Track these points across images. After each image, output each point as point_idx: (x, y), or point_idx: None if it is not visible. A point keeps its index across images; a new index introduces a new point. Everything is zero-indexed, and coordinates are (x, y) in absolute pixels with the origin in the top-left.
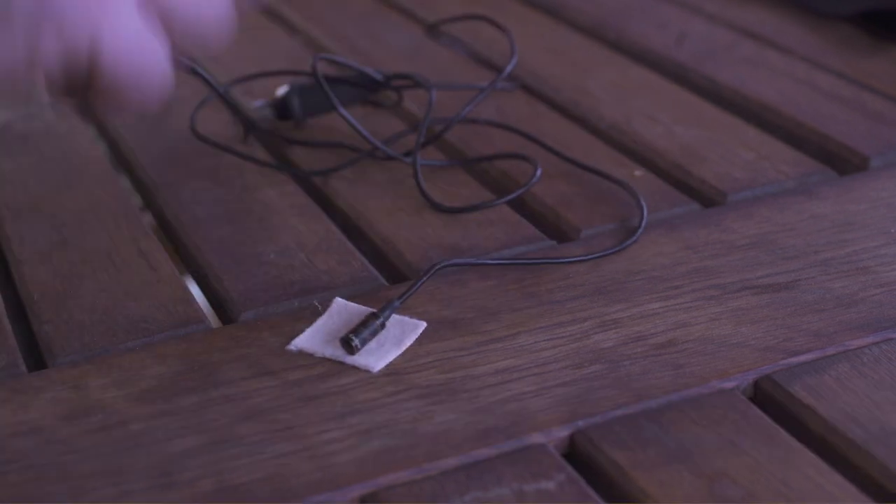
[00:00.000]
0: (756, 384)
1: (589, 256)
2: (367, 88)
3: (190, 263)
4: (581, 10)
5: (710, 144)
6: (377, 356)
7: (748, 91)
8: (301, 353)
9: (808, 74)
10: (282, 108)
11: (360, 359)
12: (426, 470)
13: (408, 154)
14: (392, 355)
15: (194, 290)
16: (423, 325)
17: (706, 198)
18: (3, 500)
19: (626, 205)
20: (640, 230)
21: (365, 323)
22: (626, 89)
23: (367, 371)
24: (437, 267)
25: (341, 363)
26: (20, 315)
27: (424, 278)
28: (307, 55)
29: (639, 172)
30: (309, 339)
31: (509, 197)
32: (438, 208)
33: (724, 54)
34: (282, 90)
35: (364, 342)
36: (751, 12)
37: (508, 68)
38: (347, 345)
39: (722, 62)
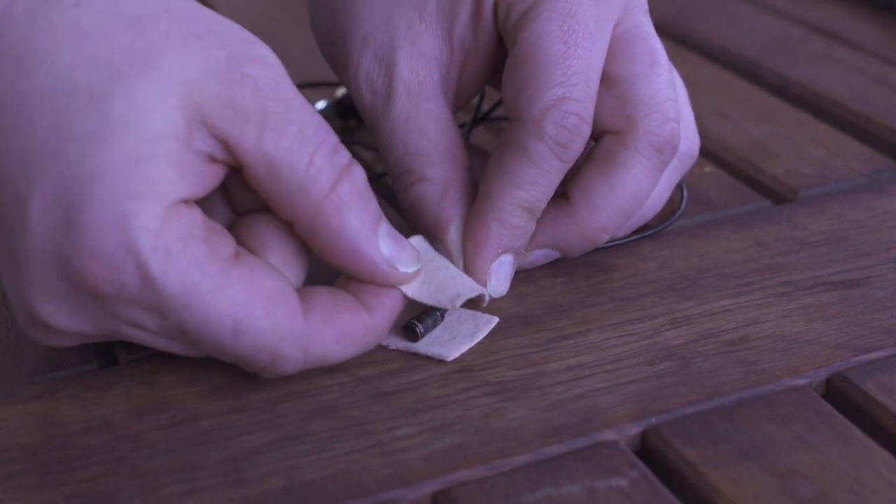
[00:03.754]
0: (828, 381)
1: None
2: None
3: None
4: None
5: (780, 141)
6: (450, 346)
7: (818, 87)
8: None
9: (879, 70)
10: (343, 108)
11: (433, 349)
12: (498, 467)
13: None
14: (465, 346)
15: None
16: (496, 319)
17: (777, 194)
18: (75, 496)
19: (692, 199)
20: (679, 211)
21: (427, 311)
22: (696, 85)
23: (441, 361)
24: None
25: (413, 359)
26: None
27: None
28: None
29: (708, 169)
30: None
31: None
32: None
33: (794, 50)
34: (341, 90)
35: (427, 329)
36: (820, 8)
37: None
38: (411, 332)
39: (792, 58)
